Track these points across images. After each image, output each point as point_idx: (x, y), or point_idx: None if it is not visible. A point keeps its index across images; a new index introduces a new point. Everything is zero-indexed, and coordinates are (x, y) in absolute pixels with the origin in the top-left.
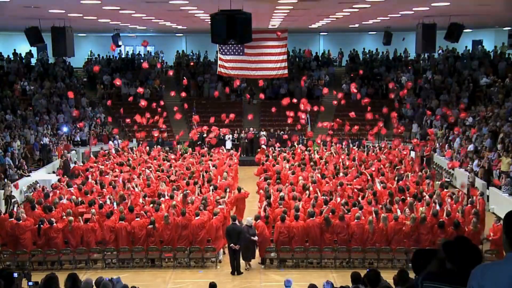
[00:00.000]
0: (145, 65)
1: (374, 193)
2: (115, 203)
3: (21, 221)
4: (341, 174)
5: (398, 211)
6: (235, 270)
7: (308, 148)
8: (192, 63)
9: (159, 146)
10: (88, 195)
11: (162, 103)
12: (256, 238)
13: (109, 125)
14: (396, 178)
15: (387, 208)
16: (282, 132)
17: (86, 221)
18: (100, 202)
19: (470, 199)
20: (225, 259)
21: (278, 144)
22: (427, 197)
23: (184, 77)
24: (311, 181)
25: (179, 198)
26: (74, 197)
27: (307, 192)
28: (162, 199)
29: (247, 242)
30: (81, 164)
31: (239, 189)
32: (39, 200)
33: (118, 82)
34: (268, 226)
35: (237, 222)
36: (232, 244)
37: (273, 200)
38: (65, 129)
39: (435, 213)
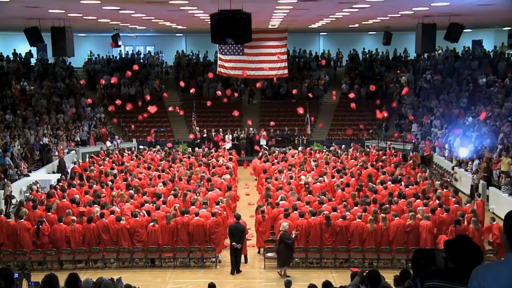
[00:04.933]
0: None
1: (375, 191)
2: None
3: (22, 220)
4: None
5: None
6: (235, 269)
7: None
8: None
9: (158, 146)
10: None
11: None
12: (291, 241)
13: (109, 125)
14: (393, 179)
15: (386, 210)
16: (288, 132)
17: (88, 221)
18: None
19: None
20: (224, 259)
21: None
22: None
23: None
24: (315, 181)
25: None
26: (77, 196)
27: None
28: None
29: (285, 248)
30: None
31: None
32: (41, 200)
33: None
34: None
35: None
36: (234, 243)
37: (272, 200)
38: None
39: (433, 209)
